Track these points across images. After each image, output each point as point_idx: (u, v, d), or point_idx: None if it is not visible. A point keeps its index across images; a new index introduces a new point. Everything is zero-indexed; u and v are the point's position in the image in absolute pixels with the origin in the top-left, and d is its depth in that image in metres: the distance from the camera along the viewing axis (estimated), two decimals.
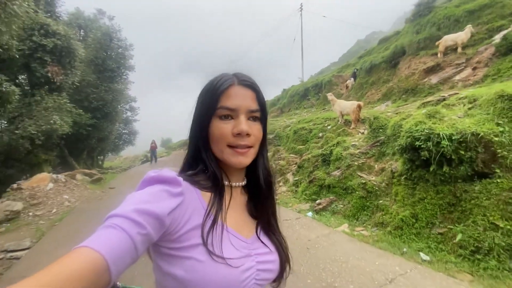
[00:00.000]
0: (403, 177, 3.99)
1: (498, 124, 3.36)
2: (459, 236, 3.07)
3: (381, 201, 4.28)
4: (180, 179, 0.54)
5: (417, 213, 3.63)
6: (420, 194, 3.68)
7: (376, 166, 4.88)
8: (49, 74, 11.49)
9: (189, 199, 0.55)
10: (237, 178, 0.65)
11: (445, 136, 3.29)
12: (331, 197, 5.18)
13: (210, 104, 0.59)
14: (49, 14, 12.84)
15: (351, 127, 7.24)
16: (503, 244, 2.76)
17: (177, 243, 0.52)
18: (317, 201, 5.31)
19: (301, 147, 8.42)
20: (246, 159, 0.60)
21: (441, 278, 2.76)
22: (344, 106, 7.69)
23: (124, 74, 18.23)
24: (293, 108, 17.17)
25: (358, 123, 7.22)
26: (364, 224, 4.26)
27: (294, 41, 21.78)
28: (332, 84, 14.70)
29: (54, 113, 11.27)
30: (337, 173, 5.45)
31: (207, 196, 0.59)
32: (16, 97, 9.26)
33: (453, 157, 3.28)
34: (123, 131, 23.98)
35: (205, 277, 0.51)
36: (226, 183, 0.63)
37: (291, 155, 8.40)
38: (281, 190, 7.04)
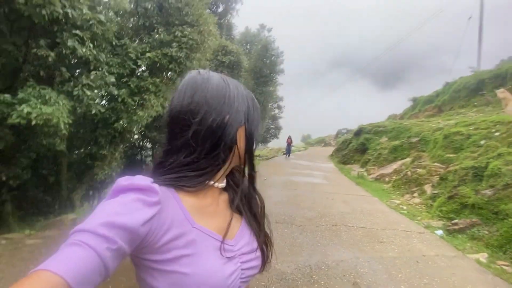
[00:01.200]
0: None
1: None
2: None
3: None
4: (156, 186, 0.50)
5: None
6: None
7: None
8: None
9: (168, 207, 0.51)
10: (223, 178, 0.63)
11: None
12: (473, 219, 4.32)
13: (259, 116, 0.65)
14: (227, 37, 17.17)
15: None
16: None
17: (158, 255, 0.49)
18: (454, 221, 4.58)
19: (450, 155, 7.05)
20: None
21: None
22: None
23: (275, 78, 21.19)
24: (457, 106, 13.80)
25: None
26: None
27: (469, 19, 17.06)
28: None
29: None
30: (488, 192, 4.43)
31: (187, 201, 0.55)
32: None
33: None
34: (271, 126, 27.90)
35: None
36: (216, 184, 0.60)
37: (435, 164, 7.22)
38: (414, 202, 6.37)
